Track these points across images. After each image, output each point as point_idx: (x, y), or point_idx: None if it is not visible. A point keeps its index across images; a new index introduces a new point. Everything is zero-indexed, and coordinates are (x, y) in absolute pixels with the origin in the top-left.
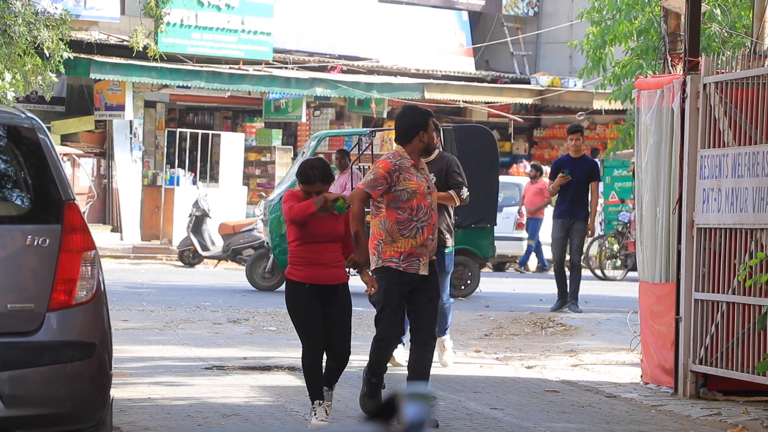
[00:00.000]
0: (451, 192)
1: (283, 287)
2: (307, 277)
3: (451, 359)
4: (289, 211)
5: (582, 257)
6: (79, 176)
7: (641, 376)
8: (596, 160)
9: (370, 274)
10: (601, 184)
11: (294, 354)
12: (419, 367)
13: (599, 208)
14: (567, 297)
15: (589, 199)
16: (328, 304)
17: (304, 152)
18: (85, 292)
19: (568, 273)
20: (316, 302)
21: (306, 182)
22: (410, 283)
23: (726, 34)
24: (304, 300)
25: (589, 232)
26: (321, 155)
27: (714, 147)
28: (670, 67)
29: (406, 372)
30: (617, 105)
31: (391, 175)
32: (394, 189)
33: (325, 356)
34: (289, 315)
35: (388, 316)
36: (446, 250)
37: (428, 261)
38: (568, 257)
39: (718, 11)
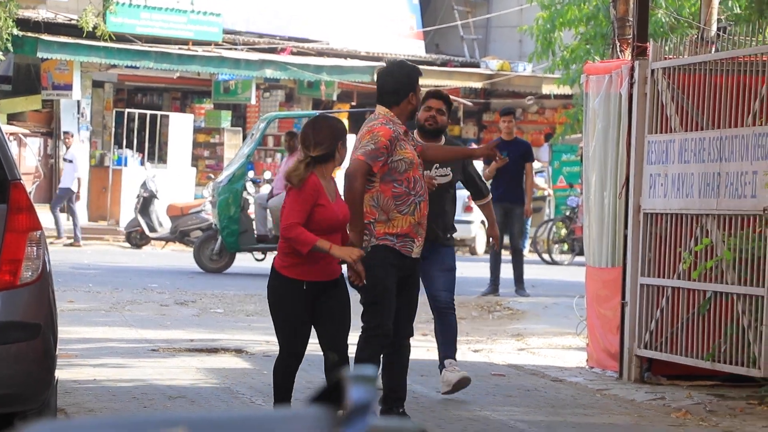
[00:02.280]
0: (488, 200)
1: (234, 267)
2: (305, 274)
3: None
4: (291, 217)
5: (530, 241)
6: (26, 156)
7: (587, 361)
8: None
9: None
10: (542, 167)
11: (241, 336)
12: (398, 373)
13: (548, 193)
14: (498, 283)
15: (524, 180)
16: (324, 300)
17: (253, 134)
18: (30, 273)
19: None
20: (308, 307)
21: (342, 135)
22: (405, 269)
23: (673, 21)
24: (296, 303)
25: (527, 214)
26: (270, 137)
27: (661, 133)
28: (619, 53)
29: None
30: (566, 90)
31: (392, 144)
32: (390, 159)
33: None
34: (270, 312)
35: (388, 299)
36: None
37: (421, 243)
38: (507, 241)
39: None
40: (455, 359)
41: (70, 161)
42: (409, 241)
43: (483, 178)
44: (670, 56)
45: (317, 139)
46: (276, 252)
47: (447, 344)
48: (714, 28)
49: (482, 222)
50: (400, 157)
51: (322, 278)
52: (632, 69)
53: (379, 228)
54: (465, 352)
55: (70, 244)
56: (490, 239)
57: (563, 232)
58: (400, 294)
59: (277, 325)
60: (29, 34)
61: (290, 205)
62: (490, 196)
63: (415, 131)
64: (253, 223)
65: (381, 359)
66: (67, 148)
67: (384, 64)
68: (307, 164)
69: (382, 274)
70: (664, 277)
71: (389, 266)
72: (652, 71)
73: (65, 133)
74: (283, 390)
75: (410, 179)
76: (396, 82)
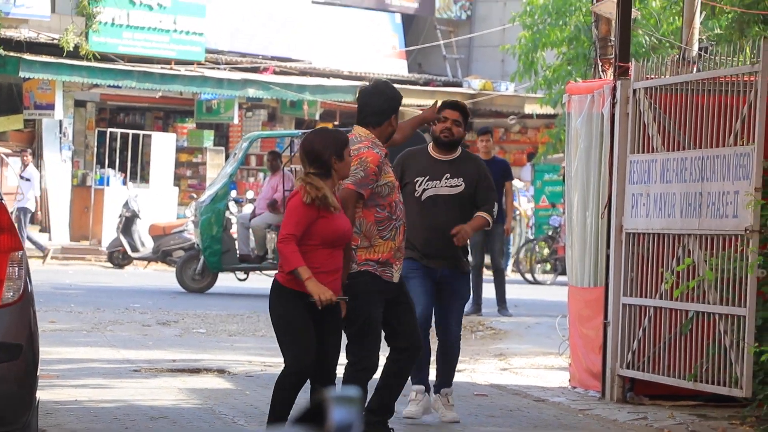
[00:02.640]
0: (483, 214)
1: (216, 287)
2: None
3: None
4: (287, 227)
5: (513, 261)
6: (7, 176)
7: (569, 380)
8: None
9: (347, 282)
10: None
11: (224, 356)
12: (396, 382)
13: (518, 212)
14: (481, 303)
15: (503, 199)
16: (321, 321)
17: (235, 153)
18: (11, 293)
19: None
20: (311, 319)
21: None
22: (389, 292)
23: (655, 41)
24: (301, 312)
25: (507, 233)
26: (252, 156)
27: (643, 152)
28: (601, 72)
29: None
30: (548, 109)
31: (380, 169)
32: (376, 184)
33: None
34: (274, 329)
35: (373, 330)
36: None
37: (400, 268)
38: (488, 261)
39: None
40: (450, 386)
41: (28, 180)
42: (389, 268)
43: (499, 203)
44: (652, 76)
45: (309, 158)
46: (262, 271)
47: (446, 373)
48: (695, 48)
49: None
50: (384, 182)
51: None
52: (614, 89)
53: (360, 254)
54: None
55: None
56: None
57: (546, 251)
58: (395, 309)
59: (282, 337)
60: (11, 53)
61: (290, 214)
62: (494, 211)
63: (430, 144)
64: (236, 242)
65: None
66: (25, 166)
67: (366, 83)
68: (309, 183)
69: (365, 305)
70: (646, 297)
71: (373, 294)
72: (634, 91)
73: (22, 150)
74: (281, 408)
75: (392, 204)
76: (383, 102)
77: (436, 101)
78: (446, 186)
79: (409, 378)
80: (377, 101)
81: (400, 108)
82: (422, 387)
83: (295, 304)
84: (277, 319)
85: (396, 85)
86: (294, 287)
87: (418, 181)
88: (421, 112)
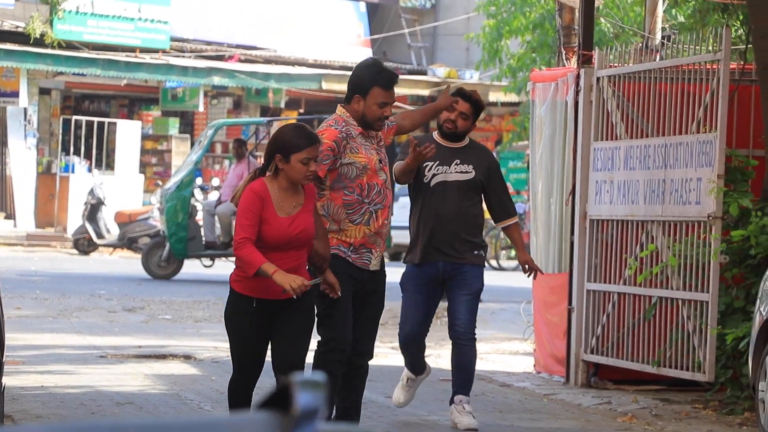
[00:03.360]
0: (514, 223)
1: (182, 273)
2: (254, 290)
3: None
4: (241, 231)
5: None
6: None
7: (534, 366)
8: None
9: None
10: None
11: (190, 342)
12: (353, 395)
13: None
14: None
15: None
16: (282, 318)
17: (201, 141)
18: None
19: None
20: (261, 324)
21: (306, 144)
22: (359, 281)
23: (618, 29)
24: (245, 321)
25: None
26: (218, 144)
27: (607, 140)
28: (565, 61)
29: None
30: (513, 97)
31: (338, 145)
32: (339, 163)
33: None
34: (225, 328)
35: (341, 309)
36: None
37: (380, 254)
38: None
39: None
40: (468, 396)
41: None
42: (366, 253)
43: (508, 193)
44: (615, 64)
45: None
46: (228, 257)
47: (461, 378)
48: (658, 36)
49: None
50: (349, 161)
51: (273, 296)
52: (578, 77)
53: (331, 237)
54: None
55: None
56: (525, 266)
57: None
58: (361, 309)
59: (230, 342)
60: None
61: (240, 216)
62: (517, 217)
63: (436, 132)
64: (201, 229)
65: (336, 378)
66: None
67: (329, 71)
68: (252, 176)
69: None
70: (610, 283)
71: (341, 275)
72: (598, 79)
73: None
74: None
75: (363, 186)
76: (352, 80)
77: (448, 85)
78: (456, 172)
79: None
80: (351, 78)
81: None
82: (412, 375)
83: (240, 308)
84: (226, 323)
85: None
86: (239, 290)
87: (427, 166)
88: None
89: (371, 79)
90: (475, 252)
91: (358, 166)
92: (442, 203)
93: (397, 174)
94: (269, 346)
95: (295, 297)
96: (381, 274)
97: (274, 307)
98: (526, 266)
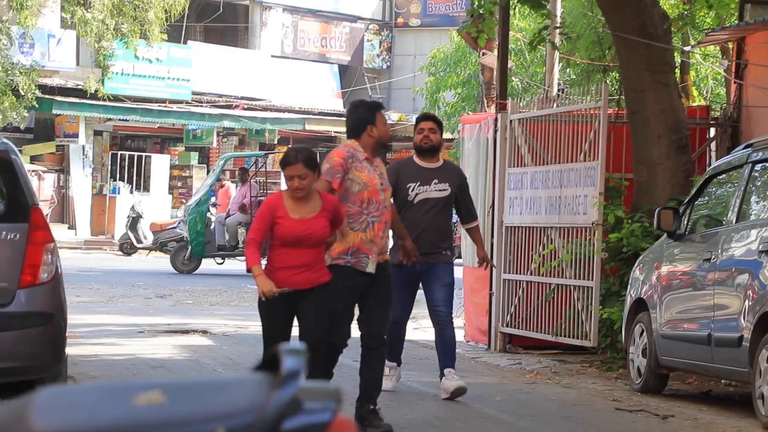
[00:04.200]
0: (474, 226)
1: (200, 269)
2: (276, 282)
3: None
4: (250, 233)
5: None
6: (44, 187)
7: (464, 336)
8: None
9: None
10: None
11: (206, 321)
12: (373, 374)
13: None
14: None
15: None
16: (303, 301)
17: (214, 169)
18: (46, 275)
19: None
20: (285, 308)
21: (285, 164)
22: (360, 285)
23: (526, 84)
24: (270, 307)
25: None
26: (227, 172)
27: (517, 167)
28: (486, 108)
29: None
30: (448, 135)
31: (345, 162)
32: (346, 177)
33: None
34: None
35: (339, 319)
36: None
37: (376, 260)
38: None
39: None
40: (454, 368)
41: None
42: (363, 257)
43: (473, 203)
44: (524, 110)
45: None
46: (235, 257)
47: (446, 355)
48: (555, 89)
49: None
50: (352, 177)
51: (294, 287)
52: (496, 120)
53: (336, 247)
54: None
55: None
56: (484, 262)
57: None
58: (367, 302)
59: (262, 326)
60: (46, 96)
61: (254, 221)
62: (478, 221)
63: (414, 155)
64: (215, 236)
65: (328, 369)
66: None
67: (310, 116)
68: (290, 178)
69: (332, 298)
70: (520, 274)
71: (344, 286)
72: (510, 121)
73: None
74: None
75: (364, 200)
76: (356, 118)
77: (412, 251)
78: (435, 190)
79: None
80: (351, 118)
81: (339, 135)
82: (394, 363)
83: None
84: (259, 310)
85: (334, 118)
86: None
87: (410, 186)
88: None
89: (372, 110)
90: (444, 252)
91: (360, 182)
92: (423, 216)
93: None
94: (293, 327)
95: (263, 299)
96: (379, 273)
97: (296, 295)
98: (485, 262)
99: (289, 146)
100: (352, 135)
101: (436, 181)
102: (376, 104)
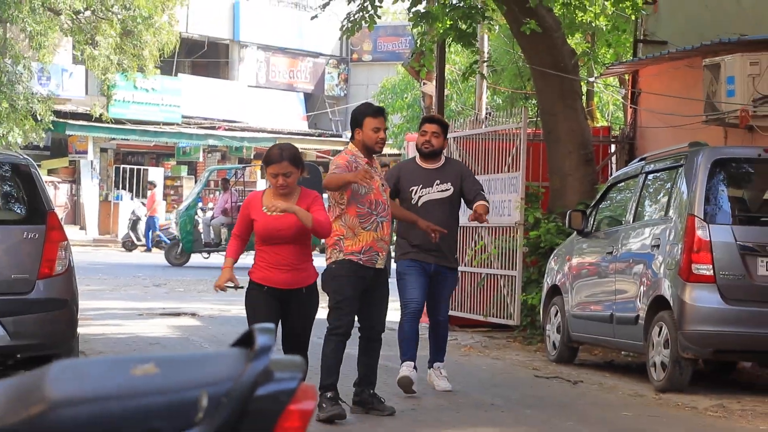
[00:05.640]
0: (482, 202)
1: (190, 262)
2: (264, 279)
3: (446, 385)
4: (232, 234)
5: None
6: (59, 195)
7: None
8: None
9: (333, 265)
10: None
11: (195, 305)
12: (372, 362)
13: None
14: None
15: None
16: (287, 308)
17: (201, 180)
18: (61, 267)
19: None
20: (273, 304)
21: (270, 162)
22: (367, 279)
23: (460, 108)
24: (259, 301)
25: None
26: (211, 182)
27: None
28: None
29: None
30: (395, 150)
31: (350, 165)
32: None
33: None
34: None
35: (348, 304)
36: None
37: (384, 256)
38: None
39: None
40: (443, 362)
41: None
42: (374, 254)
43: (479, 185)
44: (458, 130)
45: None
46: (219, 252)
47: (437, 349)
48: (484, 112)
49: None
50: None
51: (280, 286)
52: None
53: (347, 244)
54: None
55: None
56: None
57: None
58: (370, 296)
59: (248, 323)
60: (60, 119)
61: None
62: (485, 200)
63: (417, 157)
64: (201, 235)
65: (339, 353)
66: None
67: (281, 135)
68: (274, 176)
69: (345, 283)
70: (462, 265)
71: (353, 277)
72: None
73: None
74: None
75: (371, 201)
76: (351, 119)
77: (428, 227)
78: (438, 191)
79: (401, 356)
80: (350, 119)
81: (306, 151)
82: (411, 363)
83: (256, 294)
84: (246, 308)
85: (301, 136)
86: (253, 278)
87: (413, 190)
88: (316, 155)
89: (362, 113)
90: (450, 258)
91: (365, 187)
92: (429, 218)
93: (331, 182)
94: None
95: (216, 291)
96: (385, 270)
97: (282, 295)
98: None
99: (273, 144)
100: (351, 138)
101: (438, 181)
102: (370, 109)
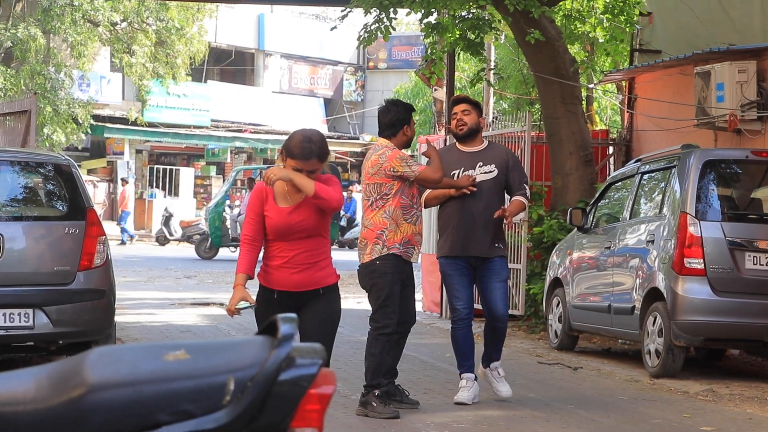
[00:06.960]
0: (520, 198)
1: (218, 256)
2: (274, 283)
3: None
4: (243, 229)
5: None
6: (97, 194)
7: (422, 307)
8: None
9: (377, 261)
10: None
11: (223, 295)
12: (398, 354)
13: None
14: None
15: None
16: (302, 315)
17: (228, 179)
18: (99, 260)
19: None
20: (288, 312)
21: (303, 158)
22: (404, 272)
23: None
24: (268, 310)
25: None
26: (238, 181)
27: None
28: (437, 131)
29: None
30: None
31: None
32: (401, 174)
33: None
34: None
35: (393, 302)
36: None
37: (419, 251)
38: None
39: None
40: (499, 360)
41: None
42: (411, 248)
43: (525, 179)
44: None
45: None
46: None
47: (494, 347)
48: (491, 117)
49: None
50: (404, 173)
51: (292, 288)
52: (446, 140)
53: (390, 236)
54: (351, 303)
55: None
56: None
57: None
58: (405, 291)
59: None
60: (99, 123)
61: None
62: (524, 198)
63: (456, 143)
64: (229, 230)
65: (388, 353)
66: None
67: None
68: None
69: (390, 281)
70: None
71: (396, 273)
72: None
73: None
74: None
75: (414, 194)
76: (392, 118)
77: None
78: (481, 173)
79: (459, 367)
80: (387, 117)
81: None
82: (471, 375)
83: (264, 298)
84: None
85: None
86: (261, 282)
87: (454, 174)
88: (335, 156)
89: (408, 111)
90: (497, 245)
91: (409, 180)
92: (472, 202)
93: (429, 200)
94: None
95: (231, 316)
96: (411, 266)
97: (296, 299)
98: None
99: (297, 131)
100: (388, 133)
101: (480, 163)
102: (411, 106)
